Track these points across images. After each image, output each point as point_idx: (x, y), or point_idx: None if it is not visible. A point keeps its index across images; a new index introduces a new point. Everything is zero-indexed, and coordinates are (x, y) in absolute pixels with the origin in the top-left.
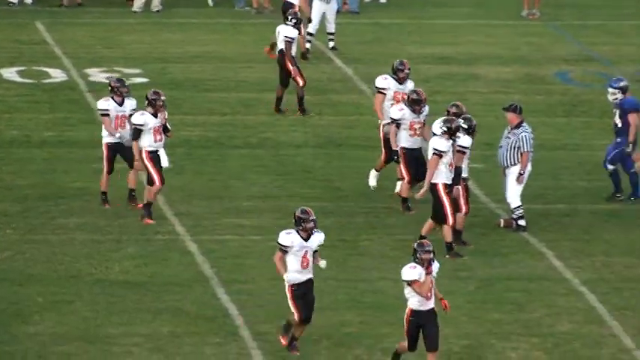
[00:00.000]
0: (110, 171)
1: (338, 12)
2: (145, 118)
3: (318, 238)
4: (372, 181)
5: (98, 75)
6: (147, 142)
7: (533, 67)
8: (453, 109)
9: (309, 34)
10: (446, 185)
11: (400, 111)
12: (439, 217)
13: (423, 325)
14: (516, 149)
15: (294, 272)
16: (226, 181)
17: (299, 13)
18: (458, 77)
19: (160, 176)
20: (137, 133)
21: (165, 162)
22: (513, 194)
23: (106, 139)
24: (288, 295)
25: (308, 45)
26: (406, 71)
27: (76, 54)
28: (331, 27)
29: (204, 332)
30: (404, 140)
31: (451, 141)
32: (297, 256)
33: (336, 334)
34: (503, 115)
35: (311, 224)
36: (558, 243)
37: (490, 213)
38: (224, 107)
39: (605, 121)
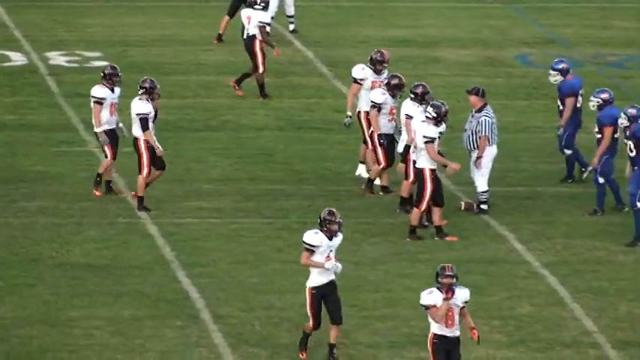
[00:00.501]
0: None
1: None
2: (150, 107)
3: (339, 238)
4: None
5: (58, 58)
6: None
7: (494, 49)
8: (420, 89)
9: (290, 16)
10: (432, 170)
11: (382, 95)
12: (417, 198)
13: (448, 352)
14: (478, 133)
15: (316, 274)
16: (187, 164)
17: None
18: (418, 60)
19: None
20: (146, 122)
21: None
22: (480, 178)
23: (105, 126)
24: (308, 299)
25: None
26: (385, 64)
27: (36, 37)
28: (290, 10)
29: (165, 315)
30: (383, 126)
31: (441, 126)
32: (323, 255)
33: (297, 317)
34: (465, 98)
35: (336, 226)
36: (519, 226)
37: (451, 196)
38: (184, 90)
39: None
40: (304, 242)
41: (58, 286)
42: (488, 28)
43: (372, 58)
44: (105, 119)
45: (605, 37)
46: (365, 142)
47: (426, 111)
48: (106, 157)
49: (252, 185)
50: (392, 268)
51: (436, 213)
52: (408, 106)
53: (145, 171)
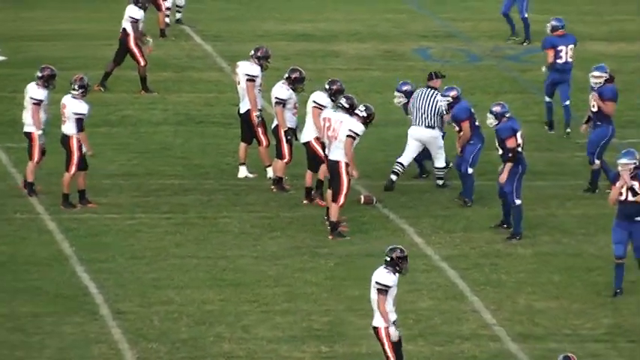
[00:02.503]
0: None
1: None
2: (87, 107)
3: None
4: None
5: None
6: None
7: (393, 43)
8: (296, 75)
9: (168, 8)
10: (347, 164)
11: (287, 91)
12: (333, 194)
13: None
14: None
15: (390, 312)
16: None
17: None
18: (317, 54)
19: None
20: (82, 122)
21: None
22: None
23: (39, 128)
24: (387, 341)
25: (167, 20)
26: (269, 60)
27: None
28: (181, 0)
29: (64, 311)
30: (287, 121)
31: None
32: (392, 295)
33: (197, 312)
34: (363, 91)
35: (406, 264)
36: (419, 219)
37: (352, 190)
38: None
39: (466, 97)
40: (383, 285)
41: None
42: (387, 21)
43: (257, 56)
44: (42, 120)
45: (504, 31)
46: (245, 140)
47: (357, 108)
48: (32, 159)
49: (150, 180)
50: (292, 263)
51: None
52: (320, 96)
53: (73, 169)
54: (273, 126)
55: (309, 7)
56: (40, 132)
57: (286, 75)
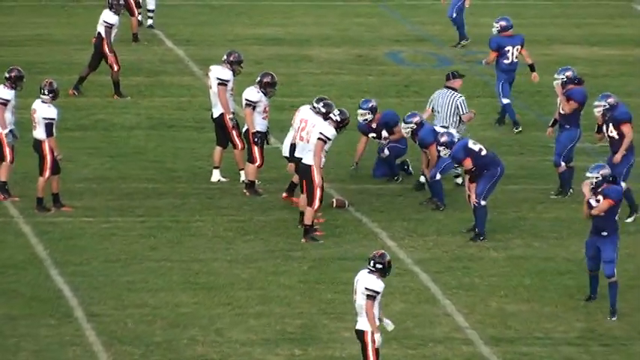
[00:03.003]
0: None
1: None
2: (56, 111)
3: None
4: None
5: None
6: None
7: (365, 47)
8: (268, 79)
9: (150, 10)
10: (320, 169)
11: (257, 94)
12: (308, 199)
13: None
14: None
15: (377, 319)
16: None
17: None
18: (290, 59)
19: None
20: (52, 127)
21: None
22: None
23: (9, 127)
24: (371, 345)
25: (150, 21)
26: (242, 66)
27: None
28: (151, 4)
29: (39, 314)
30: (257, 124)
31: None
32: (379, 301)
33: (171, 315)
34: (335, 96)
35: (389, 270)
36: (391, 223)
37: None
38: None
39: None
40: (374, 291)
41: None
42: (358, 25)
43: (230, 60)
44: (8, 120)
45: (475, 35)
46: (220, 144)
47: (332, 113)
48: (5, 160)
49: (124, 184)
50: (265, 266)
51: (302, 200)
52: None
53: (47, 173)
54: (244, 130)
55: (279, 12)
56: (7, 131)
57: (258, 79)
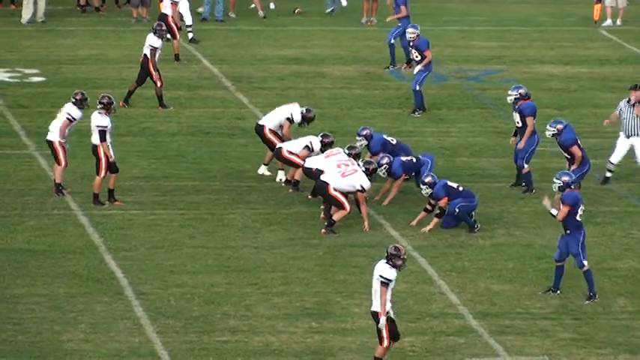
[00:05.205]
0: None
1: (205, 20)
2: (108, 120)
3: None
4: (262, 170)
5: (2, 74)
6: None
7: (372, 66)
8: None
9: (189, 26)
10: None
11: (299, 119)
12: (338, 207)
13: None
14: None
15: (388, 302)
16: None
17: (163, 25)
18: (308, 75)
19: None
20: (104, 134)
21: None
22: None
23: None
24: (385, 327)
25: (191, 35)
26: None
27: None
28: (189, 20)
29: (95, 292)
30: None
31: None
32: (391, 287)
33: (207, 293)
34: (347, 107)
35: (400, 262)
36: (394, 215)
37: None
38: None
39: (433, 112)
40: (385, 278)
41: (3, 268)
42: (367, 47)
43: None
44: (67, 132)
45: (466, 55)
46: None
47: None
48: (60, 164)
49: (167, 182)
50: (286, 252)
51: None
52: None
53: (103, 173)
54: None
55: (300, 36)
56: (63, 140)
57: (304, 110)
